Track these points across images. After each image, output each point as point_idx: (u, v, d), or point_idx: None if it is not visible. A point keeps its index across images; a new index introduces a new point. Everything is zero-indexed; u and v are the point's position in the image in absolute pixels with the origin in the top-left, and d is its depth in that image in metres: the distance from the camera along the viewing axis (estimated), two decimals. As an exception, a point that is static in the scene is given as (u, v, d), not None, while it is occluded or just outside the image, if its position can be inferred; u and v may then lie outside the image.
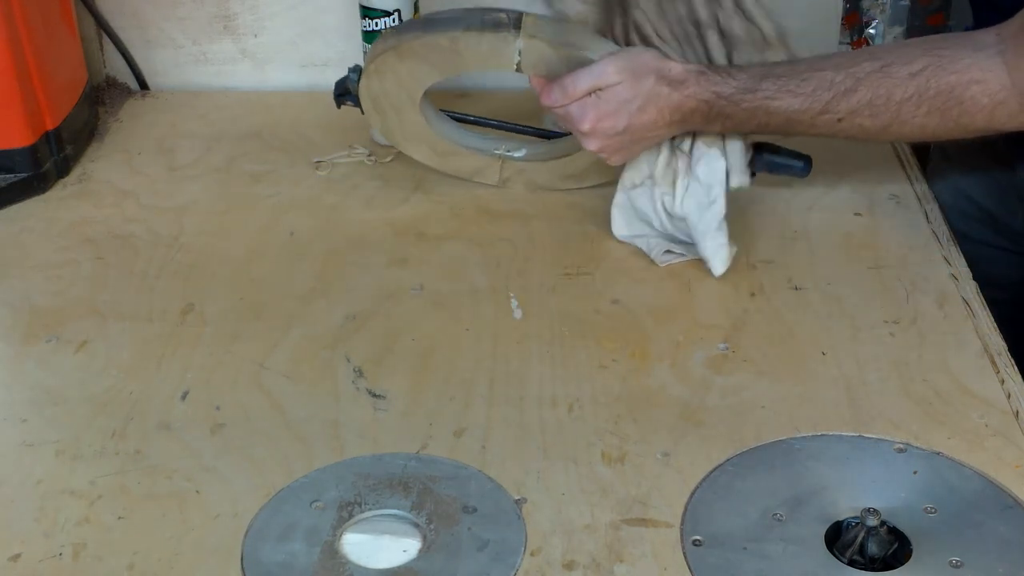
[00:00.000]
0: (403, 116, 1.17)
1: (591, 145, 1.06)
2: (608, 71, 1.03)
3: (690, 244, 1.10)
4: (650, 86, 1.02)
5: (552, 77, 1.07)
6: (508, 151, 1.20)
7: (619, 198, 1.13)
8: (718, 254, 1.08)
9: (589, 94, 1.04)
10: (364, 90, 1.16)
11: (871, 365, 0.97)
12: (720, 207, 1.06)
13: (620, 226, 1.13)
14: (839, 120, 1.01)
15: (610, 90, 1.03)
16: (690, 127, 1.05)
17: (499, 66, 1.10)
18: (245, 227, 1.19)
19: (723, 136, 1.07)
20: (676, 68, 1.03)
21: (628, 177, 1.11)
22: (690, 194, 1.07)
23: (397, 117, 1.18)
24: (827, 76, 1.00)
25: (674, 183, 1.08)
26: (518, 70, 1.10)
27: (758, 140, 1.10)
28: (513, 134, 1.22)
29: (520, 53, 1.08)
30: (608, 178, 1.17)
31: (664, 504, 0.83)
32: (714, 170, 1.07)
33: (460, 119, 1.22)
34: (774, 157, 1.11)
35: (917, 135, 1.02)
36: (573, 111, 1.05)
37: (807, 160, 1.12)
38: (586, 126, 1.05)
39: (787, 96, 1.01)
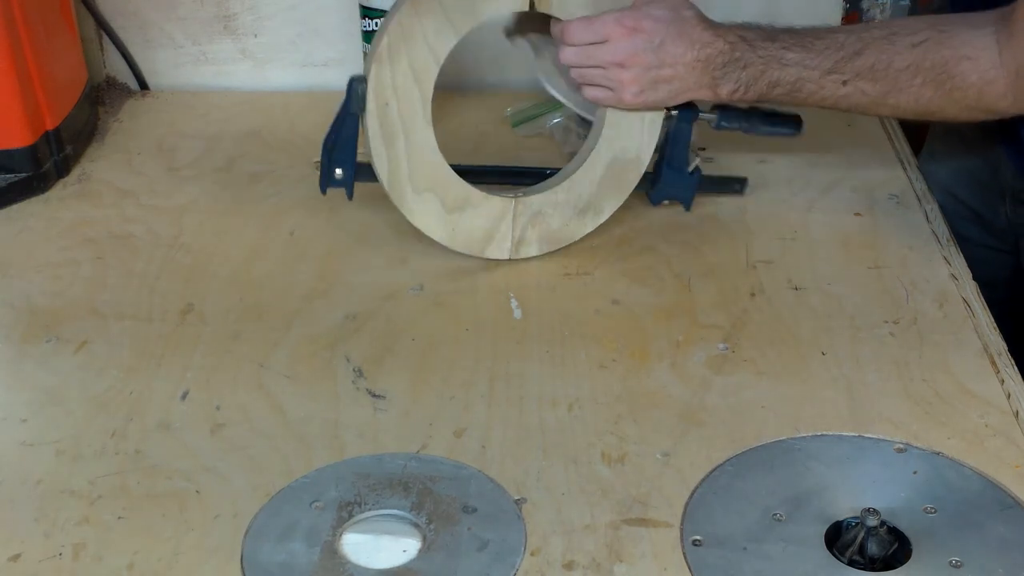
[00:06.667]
0: (412, 139, 1.07)
1: (624, 77, 1.05)
2: None
3: None
4: (688, 15, 1.05)
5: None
6: (522, 193, 1.12)
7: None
8: None
9: (621, 25, 1.04)
10: (372, 95, 1.05)
11: (871, 365, 0.97)
12: None
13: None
14: (844, 82, 1.03)
15: (648, 14, 1.04)
16: (706, 75, 1.05)
17: (516, 6, 1.07)
18: (245, 227, 1.19)
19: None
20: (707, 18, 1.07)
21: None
22: None
23: (405, 143, 1.07)
24: (839, 38, 1.04)
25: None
26: (532, 7, 1.06)
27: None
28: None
29: None
30: (620, 202, 1.13)
31: (664, 504, 0.83)
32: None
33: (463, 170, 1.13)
34: (764, 125, 1.14)
35: (914, 107, 1.03)
36: (614, 36, 1.04)
37: (797, 121, 1.14)
38: (622, 54, 1.04)
39: (800, 50, 1.04)
